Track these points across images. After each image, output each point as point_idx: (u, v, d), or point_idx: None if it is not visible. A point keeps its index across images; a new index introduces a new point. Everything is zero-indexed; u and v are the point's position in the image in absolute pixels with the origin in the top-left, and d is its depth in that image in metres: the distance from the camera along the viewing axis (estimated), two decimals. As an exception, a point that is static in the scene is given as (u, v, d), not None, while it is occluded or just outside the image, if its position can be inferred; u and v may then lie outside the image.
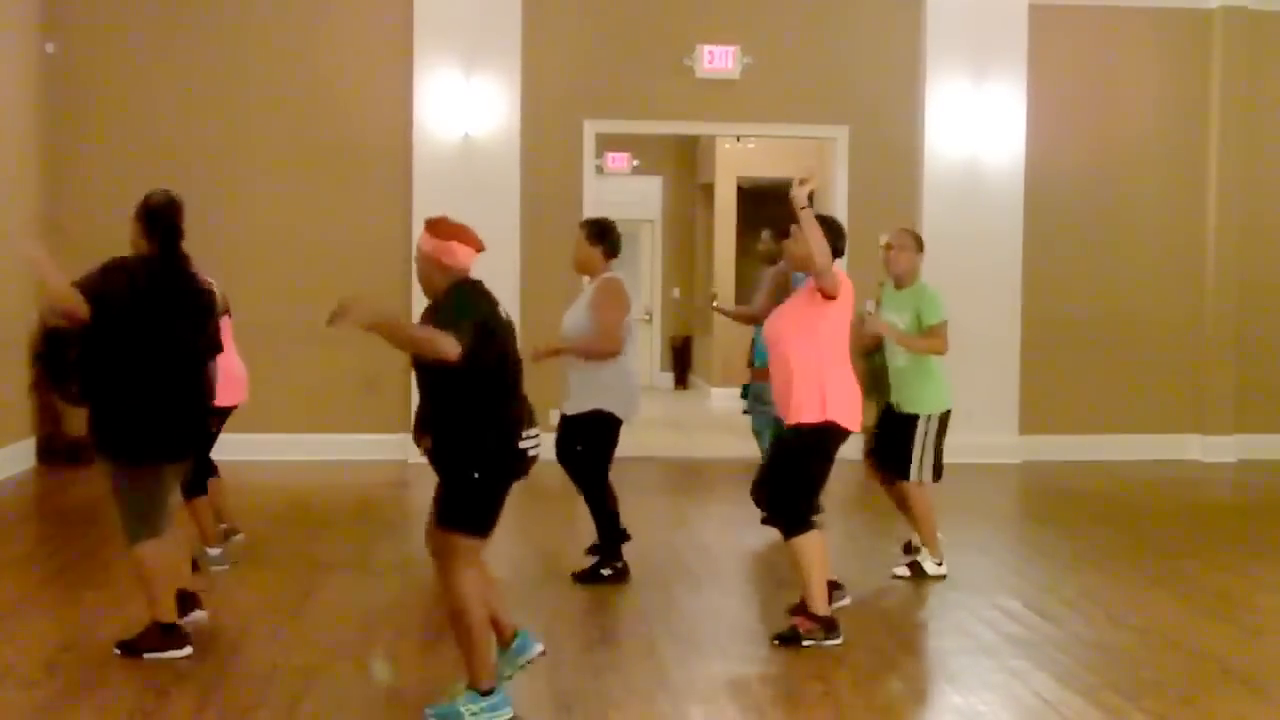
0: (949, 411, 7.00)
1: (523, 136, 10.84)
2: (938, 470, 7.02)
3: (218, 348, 5.73)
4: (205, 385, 5.58)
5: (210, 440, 6.69)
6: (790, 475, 5.82)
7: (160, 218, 5.37)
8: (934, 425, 6.95)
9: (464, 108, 10.72)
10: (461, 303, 4.65)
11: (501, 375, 4.68)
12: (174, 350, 5.34)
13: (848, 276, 5.81)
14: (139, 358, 5.24)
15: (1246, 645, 5.99)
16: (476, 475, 4.60)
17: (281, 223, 10.76)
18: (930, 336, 6.89)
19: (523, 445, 4.67)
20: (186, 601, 5.73)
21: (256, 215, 10.65)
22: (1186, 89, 11.59)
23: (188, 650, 5.38)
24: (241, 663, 5.41)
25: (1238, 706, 5.10)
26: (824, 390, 5.70)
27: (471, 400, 4.60)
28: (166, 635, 5.40)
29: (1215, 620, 6.38)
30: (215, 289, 5.89)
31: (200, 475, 6.70)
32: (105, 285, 5.16)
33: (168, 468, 5.43)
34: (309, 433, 10.73)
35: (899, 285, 7.07)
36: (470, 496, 4.63)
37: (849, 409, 5.77)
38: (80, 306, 5.07)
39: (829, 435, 5.75)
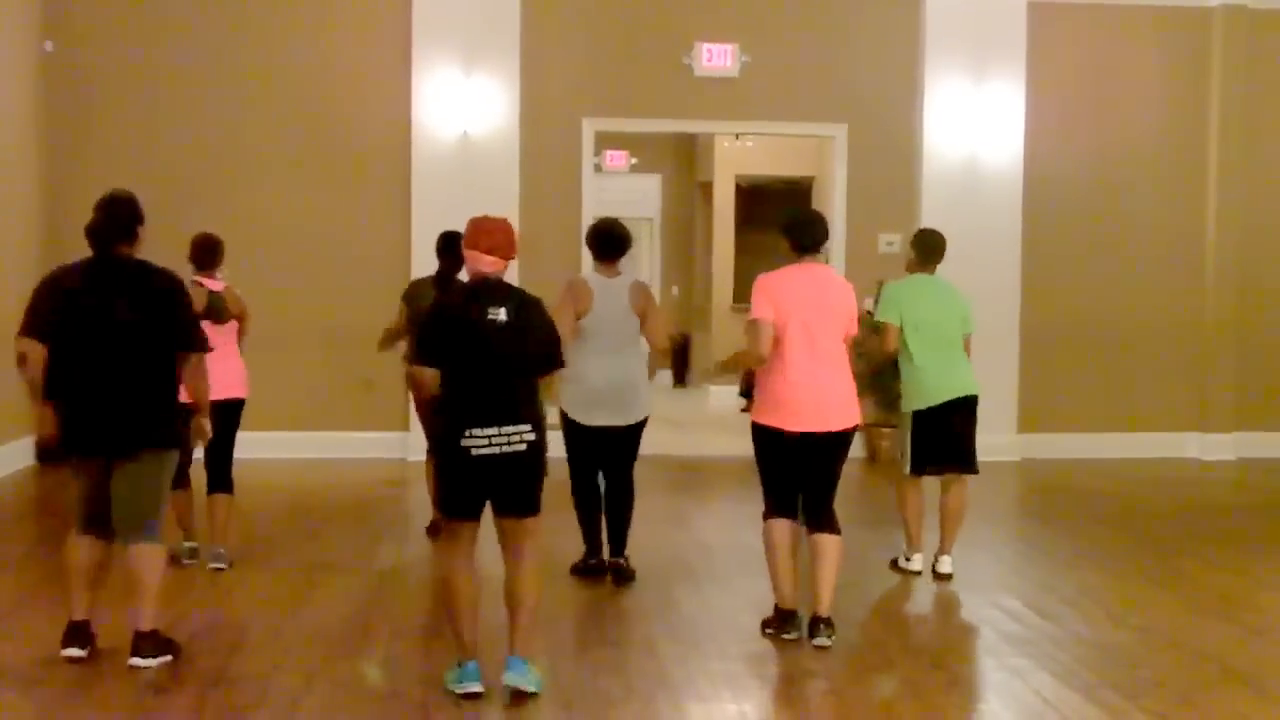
0: (919, 412, 6.95)
1: (521, 135, 10.84)
2: (913, 464, 7.04)
3: (187, 344, 5.45)
4: (136, 383, 5.28)
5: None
6: None
7: (90, 224, 5.36)
8: (907, 423, 7.05)
9: (463, 106, 10.72)
10: None
11: (454, 372, 4.92)
12: (90, 347, 5.22)
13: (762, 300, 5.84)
14: (61, 354, 5.27)
15: (1246, 644, 5.99)
16: (436, 458, 5.09)
17: (281, 222, 10.75)
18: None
19: (465, 443, 4.84)
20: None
21: (255, 214, 10.63)
22: (1186, 88, 11.59)
23: (75, 651, 5.27)
24: (241, 663, 5.41)
25: (1237, 705, 5.10)
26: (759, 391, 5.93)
27: (441, 391, 4.97)
28: (68, 633, 5.33)
29: (1215, 619, 6.39)
30: (182, 282, 5.55)
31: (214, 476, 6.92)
32: (31, 316, 5.35)
33: (90, 462, 5.30)
34: (308, 431, 10.73)
35: None
36: (436, 475, 5.19)
37: (770, 410, 5.85)
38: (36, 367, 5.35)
39: (757, 431, 5.91)
